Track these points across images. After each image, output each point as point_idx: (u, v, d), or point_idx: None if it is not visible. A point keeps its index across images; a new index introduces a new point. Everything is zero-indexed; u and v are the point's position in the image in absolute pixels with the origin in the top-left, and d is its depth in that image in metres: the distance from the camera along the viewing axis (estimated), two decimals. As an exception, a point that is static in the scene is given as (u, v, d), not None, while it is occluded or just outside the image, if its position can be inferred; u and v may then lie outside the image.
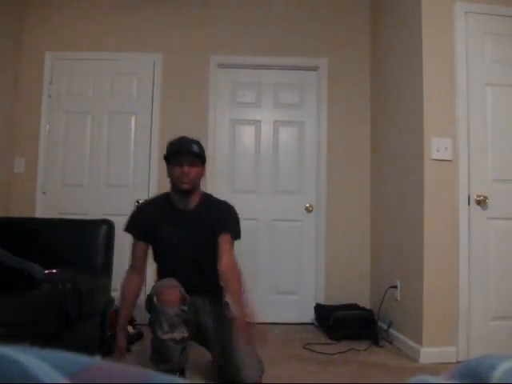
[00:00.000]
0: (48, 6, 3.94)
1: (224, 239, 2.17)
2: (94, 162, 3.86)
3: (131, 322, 3.13)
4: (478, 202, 2.88)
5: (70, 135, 3.88)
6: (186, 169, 2.12)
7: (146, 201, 2.42)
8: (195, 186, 2.19)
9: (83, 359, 0.28)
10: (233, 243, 2.20)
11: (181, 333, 2.01)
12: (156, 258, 2.30)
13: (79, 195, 3.80)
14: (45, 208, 3.77)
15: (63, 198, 3.81)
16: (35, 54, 3.89)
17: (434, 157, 2.88)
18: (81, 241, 2.83)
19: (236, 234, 2.24)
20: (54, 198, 3.81)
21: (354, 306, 3.58)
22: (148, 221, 2.21)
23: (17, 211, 3.61)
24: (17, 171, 3.80)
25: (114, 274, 2.88)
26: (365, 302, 3.73)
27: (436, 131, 2.91)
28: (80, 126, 3.88)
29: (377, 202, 3.79)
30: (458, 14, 2.95)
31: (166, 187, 2.30)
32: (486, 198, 2.87)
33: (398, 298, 3.22)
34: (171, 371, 2.00)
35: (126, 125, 3.90)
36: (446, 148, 2.89)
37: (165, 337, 1.97)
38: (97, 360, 0.29)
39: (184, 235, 2.19)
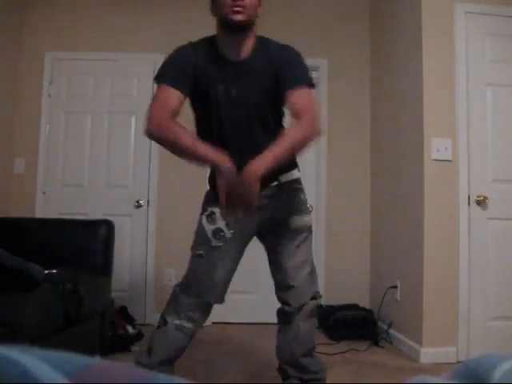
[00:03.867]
0: (48, 6, 3.94)
1: (299, 94, 1.64)
2: (94, 162, 3.86)
3: (131, 321, 3.13)
4: (478, 202, 2.88)
5: (69, 135, 3.88)
6: None
7: (186, 44, 1.76)
8: (251, 19, 1.65)
9: (83, 359, 0.28)
10: (312, 95, 1.68)
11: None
12: (197, 124, 1.80)
13: (79, 195, 3.80)
14: (45, 208, 3.77)
15: (63, 198, 3.81)
16: (35, 54, 3.89)
17: (434, 157, 2.88)
18: (81, 241, 2.83)
19: (311, 82, 1.71)
20: (54, 198, 3.81)
21: (353, 306, 3.58)
22: (190, 67, 1.67)
23: (17, 211, 3.60)
24: (17, 171, 3.79)
25: (113, 274, 2.88)
26: (365, 302, 3.73)
27: (436, 131, 2.91)
28: (80, 126, 3.88)
29: (377, 201, 3.79)
30: (457, 14, 2.95)
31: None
32: (485, 198, 2.87)
33: (398, 298, 3.22)
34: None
35: (125, 125, 3.89)
36: (446, 148, 2.89)
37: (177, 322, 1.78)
38: (97, 360, 0.29)
39: (235, 94, 1.70)
